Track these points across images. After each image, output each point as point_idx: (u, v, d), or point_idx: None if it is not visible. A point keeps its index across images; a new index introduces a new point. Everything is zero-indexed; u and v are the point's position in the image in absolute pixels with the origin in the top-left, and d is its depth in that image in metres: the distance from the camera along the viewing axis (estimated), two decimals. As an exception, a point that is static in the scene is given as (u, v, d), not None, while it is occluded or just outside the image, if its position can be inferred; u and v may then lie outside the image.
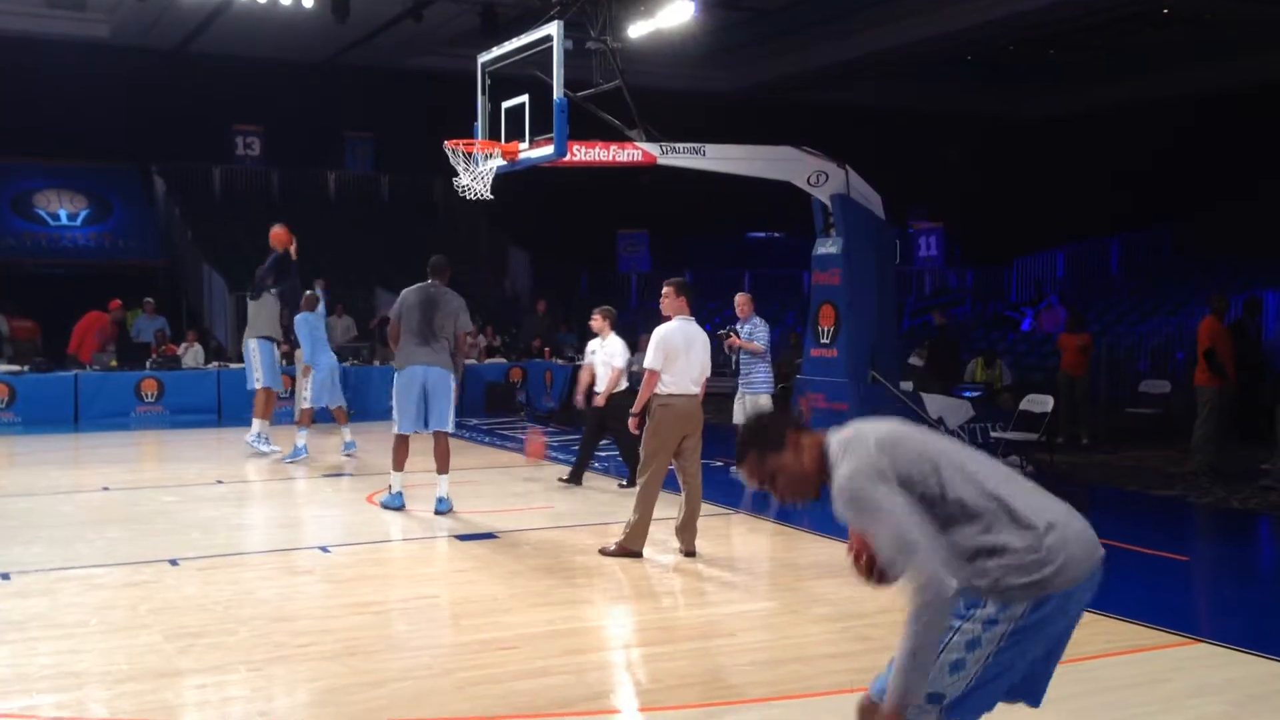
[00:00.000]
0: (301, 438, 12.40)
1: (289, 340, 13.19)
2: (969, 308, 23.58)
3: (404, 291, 9.35)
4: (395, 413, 9.27)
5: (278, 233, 12.43)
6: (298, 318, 12.58)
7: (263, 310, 12.34)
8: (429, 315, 9.15)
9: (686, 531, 7.94)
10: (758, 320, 11.12)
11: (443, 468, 9.33)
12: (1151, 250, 22.62)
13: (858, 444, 3.11)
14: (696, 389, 7.85)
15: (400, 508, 9.44)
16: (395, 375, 9.29)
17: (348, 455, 12.57)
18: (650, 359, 7.76)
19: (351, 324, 19.57)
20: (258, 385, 12.34)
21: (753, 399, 11.13)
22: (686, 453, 7.87)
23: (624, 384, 10.52)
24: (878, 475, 3.01)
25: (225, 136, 26.01)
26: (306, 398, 12.82)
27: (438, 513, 9.20)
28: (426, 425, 9.20)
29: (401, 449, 9.41)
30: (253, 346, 12.29)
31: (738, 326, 11.19)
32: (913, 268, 25.14)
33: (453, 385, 9.35)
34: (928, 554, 2.92)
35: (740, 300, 11.17)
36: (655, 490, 7.80)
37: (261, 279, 12.29)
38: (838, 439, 3.18)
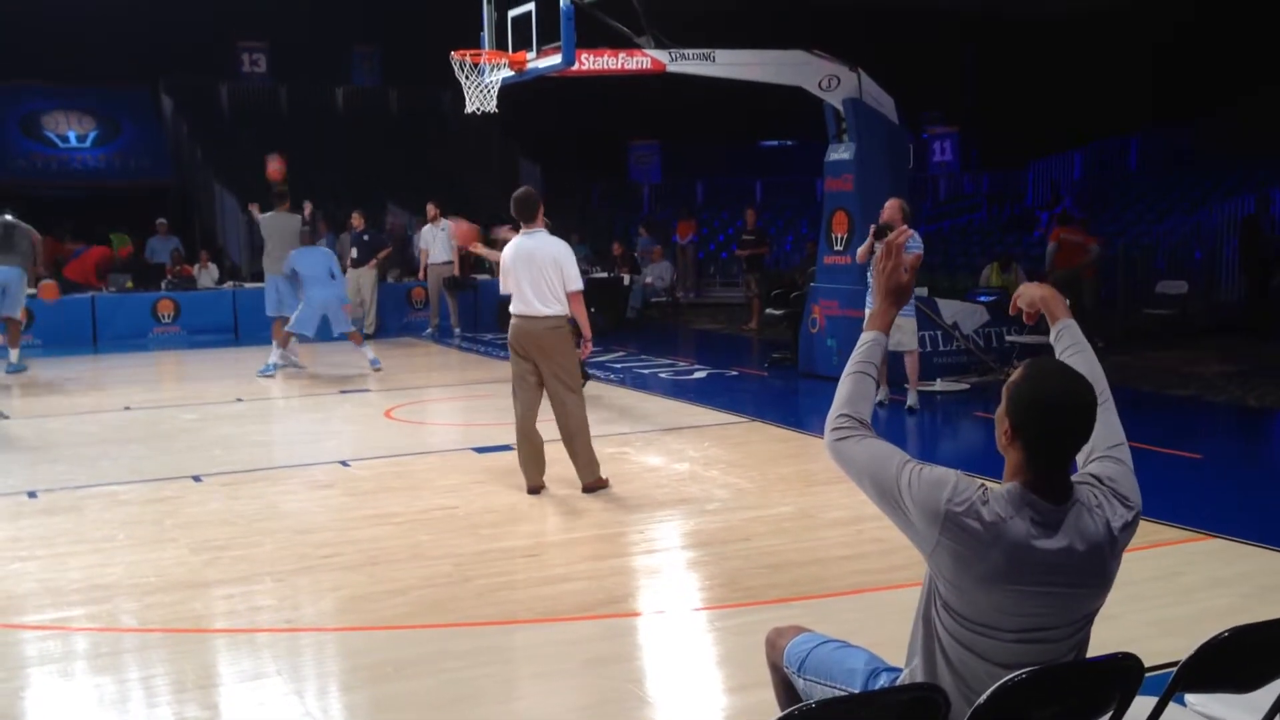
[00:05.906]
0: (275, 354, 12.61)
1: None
2: (985, 212, 23.35)
3: None
4: None
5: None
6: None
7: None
8: None
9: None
10: (914, 232, 10.14)
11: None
12: (1170, 149, 22.28)
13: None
14: (541, 308, 7.04)
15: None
16: None
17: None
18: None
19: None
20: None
21: (898, 322, 9.91)
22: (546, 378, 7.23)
23: None
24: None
25: (230, 53, 25.73)
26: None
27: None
28: None
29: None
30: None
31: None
32: (927, 173, 24.87)
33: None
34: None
35: (891, 206, 10.09)
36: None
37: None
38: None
